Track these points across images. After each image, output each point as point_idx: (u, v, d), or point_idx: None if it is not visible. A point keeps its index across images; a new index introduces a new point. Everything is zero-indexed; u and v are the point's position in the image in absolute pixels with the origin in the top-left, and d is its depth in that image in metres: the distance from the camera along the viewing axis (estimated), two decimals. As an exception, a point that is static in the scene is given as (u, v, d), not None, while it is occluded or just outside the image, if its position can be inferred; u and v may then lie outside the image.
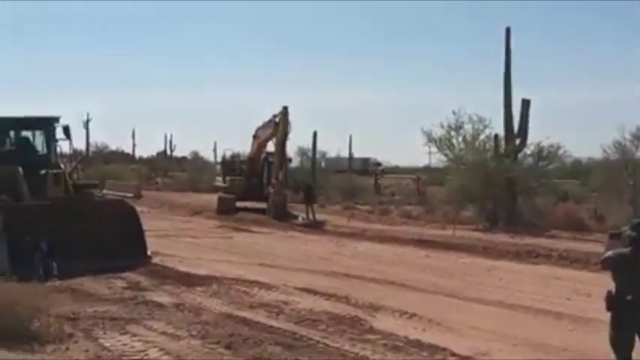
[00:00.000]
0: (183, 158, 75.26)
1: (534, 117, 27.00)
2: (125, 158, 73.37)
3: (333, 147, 75.57)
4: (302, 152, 47.01)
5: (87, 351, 8.44)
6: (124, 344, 8.85)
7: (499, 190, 26.64)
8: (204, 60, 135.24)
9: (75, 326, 9.58)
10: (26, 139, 18.56)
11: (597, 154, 31.48)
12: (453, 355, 8.46)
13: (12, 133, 18.30)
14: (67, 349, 8.51)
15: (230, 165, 33.80)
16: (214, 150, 63.74)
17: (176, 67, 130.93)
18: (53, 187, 16.21)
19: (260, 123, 30.54)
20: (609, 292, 6.67)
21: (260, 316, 10.45)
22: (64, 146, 18.58)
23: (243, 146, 34.47)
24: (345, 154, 60.61)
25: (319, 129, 44.24)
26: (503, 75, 26.86)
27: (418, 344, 8.89)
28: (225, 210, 29.80)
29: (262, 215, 28.40)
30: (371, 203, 35.25)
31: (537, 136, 27.81)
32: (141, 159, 77.57)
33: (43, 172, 16.41)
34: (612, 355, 6.76)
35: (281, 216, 27.51)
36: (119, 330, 9.53)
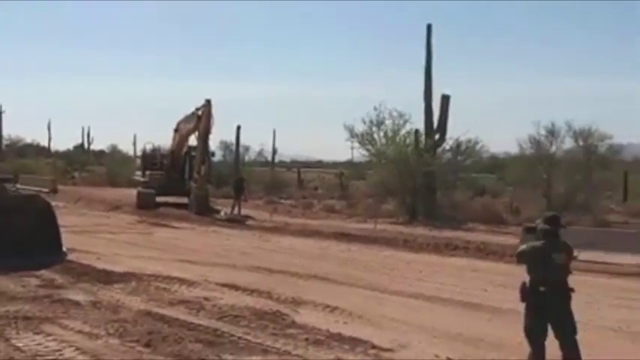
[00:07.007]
0: (102, 152, 73.40)
1: (453, 113, 27.66)
2: (40, 152, 70.99)
3: (256, 141, 75.08)
4: (225, 146, 46.58)
5: (-2, 352, 8.10)
6: (38, 344, 8.52)
7: (419, 184, 27.16)
8: (123, 50, 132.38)
9: (-15, 327, 9.18)
10: None
11: (513, 149, 32.50)
12: (374, 347, 8.52)
13: None
14: (-24, 350, 8.14)
15: (150, 159, 33.06)
16: (134, 143, 62.42)
17: (94, 57, 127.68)
18: (-38, 181, 15.50)
19: (182, 116, 30.08)
20: (523, 284, 6.87)
21: (180, 313, 10.27)
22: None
23: (164, 140, 33.85)
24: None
25: (242, 122, 43.88)
26: (424, 71, 27.38)
27: (340, 337, 8.92)
28: (144, 205, 29.19)
29: (184, 210, 28.01)
30: (294, 197, 35.30)
31: (456, 131, 28.50)
32: (57, 152, 75.21)
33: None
34: (527, 344, 6.98)
35: (203, 211, 27.18)
36: (33, 329, 9.17)
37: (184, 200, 29.00)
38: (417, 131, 27.66)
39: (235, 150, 44.62)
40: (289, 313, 10.37)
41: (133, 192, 31.75)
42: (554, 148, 28.09)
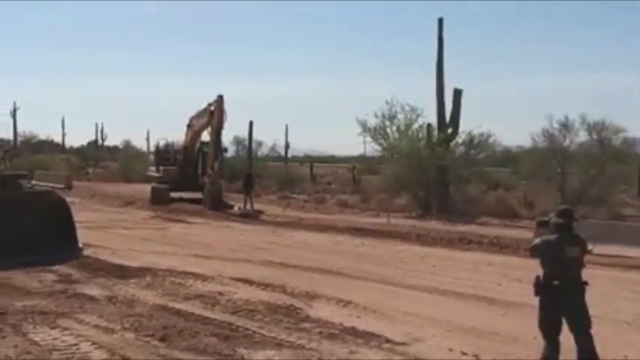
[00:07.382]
0: (115, 147, 73.79)
1: (466, 107, 27.56)
2: (55, 148, 71.51)
3: (269, 136, 75.38)
4: (238, 141, 46.75)
5: (16, 346, 8.19)
6: (55, 338, 8.61)
7: (432, 178, 27.12)
8: (137, 48, 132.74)
9: (3, 321, 9.28)
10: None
11: (526, 143, 32.32)
12: (388, 341, 8.56)
13: None
14: (-5, 345, 8.24)
15: (164, 154, 33.23)
16: (147, 139, 62.84)
17: (109, 55, 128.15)
18: (-22, 178, 15.60)
19: (194, 112, 30.17)
20: (537, 278, 6.86)
21: (195, 308, 10.35)
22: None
23: (178, 135, 33.99)
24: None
25: (255, 118, 44.12)
26: (435, 65, 27.28)
27: (353, 331, 8.96)
28: (158, 200, 29.33)
29: (198, 205, 28.10)
30: (307, 192, 35.34)
31: (469, 125, 28.40)
32: (71, 149, 75.75)
33: (-33, 162, 15.82)
34: (541, 338, 6.98)
35: (217, 206, 27.26)
36: (49, 324, 9.27)
37: (198, 195, 29.09)
38: (429, 125, 27.59)
39: (248, 145, 44.75)
40: (303, 307, 10.42)
41: (146, 187, 31.91)
42: (567, 141, 27.93)
